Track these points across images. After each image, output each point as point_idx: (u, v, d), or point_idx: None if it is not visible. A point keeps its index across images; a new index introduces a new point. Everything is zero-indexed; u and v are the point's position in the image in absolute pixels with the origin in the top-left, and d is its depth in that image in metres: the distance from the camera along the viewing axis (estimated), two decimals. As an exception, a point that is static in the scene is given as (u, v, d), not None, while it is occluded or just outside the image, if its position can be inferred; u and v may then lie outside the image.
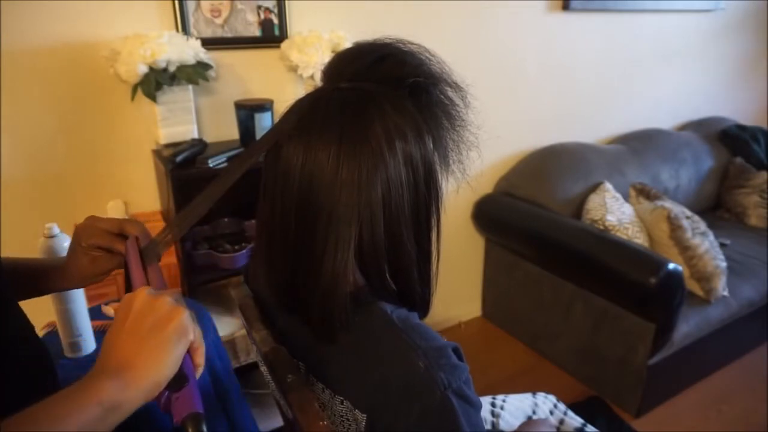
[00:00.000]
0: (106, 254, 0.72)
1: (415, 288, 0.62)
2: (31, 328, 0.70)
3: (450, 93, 0.61)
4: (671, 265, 1.63)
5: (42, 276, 0.77)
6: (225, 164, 1.40)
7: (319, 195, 0.55)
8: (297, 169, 0.55)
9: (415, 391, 0.52)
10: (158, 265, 0.64)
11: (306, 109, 0.57)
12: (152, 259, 0.65)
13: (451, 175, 0.63)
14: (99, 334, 1.16)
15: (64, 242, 1.02)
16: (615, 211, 2.00)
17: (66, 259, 0.75)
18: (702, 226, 2.04)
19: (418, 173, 0.57)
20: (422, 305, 0.65)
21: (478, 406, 0.55)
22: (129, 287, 0.63)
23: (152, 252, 0.66)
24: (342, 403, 0.59)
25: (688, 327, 1.79)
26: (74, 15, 1.35)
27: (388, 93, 0.56)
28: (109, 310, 1.16)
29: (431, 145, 0.58)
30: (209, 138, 1.59)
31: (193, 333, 0.50)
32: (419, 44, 0.61)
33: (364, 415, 0.56)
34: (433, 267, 0.65)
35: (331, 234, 0.55)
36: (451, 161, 0.61)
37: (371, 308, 0.59)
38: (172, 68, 1.35)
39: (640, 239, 1.96)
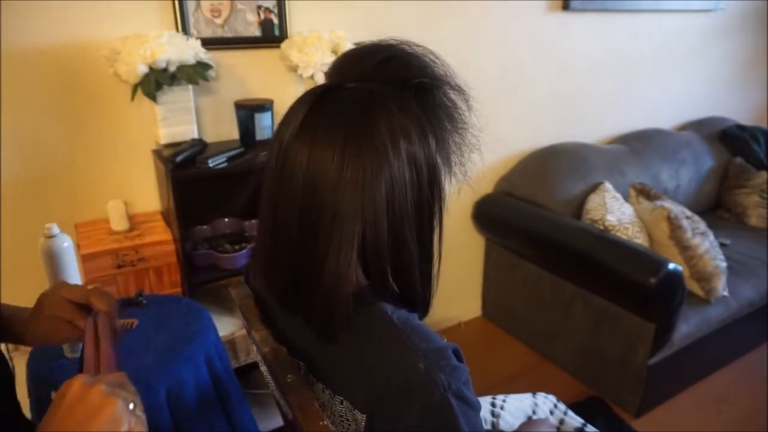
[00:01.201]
0: (68, 325, 0.70)
1: (416, 288, 0.62)
2: None
3: (453, 95, 0.61)
4: (671, 265, 1.63)
5: (5, 325, 0.75)
6: (225, 164, 1.40)
7: (323, 194, 0.54)
8: (301, 168, 0.55)
9: (414, 392, 0.52)
10: (113, 348, 0.62)
11: (310, 108, 0.57)
12: (110, 339, 0.63)
13: (453, 177, 0.63)
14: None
15: (64, 242, 1.02)
16: (615, 211, 2.00)
17: (28, 320, 0.73)
18: (702, 226, 2.04)
19: (421, 173, 0.57)
20: (423, 305, 0.65)
21: (477, 408, 0.55)
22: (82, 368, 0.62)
23: (111, 331, 0.64)
24: (342, 403, 0.59)
25: (688, 327, 1.79)
26: (74, 15, 1.35)
27: (393, 94, 0.56)
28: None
29: (435, 146, 0.58)
30: (209, 138, 1.59)
31: (129, 423, 0.47)
32: (424, 46, 0.61)
33: (364, 416, 0.56)
34: (435, 267, 0.65)
35: (335, 234, 0.55)
36: (453, 163, 0.61)
37: (372, 309, 0.59)
38: (172, 68, 1.35)
39: (640, 239, 1.96)
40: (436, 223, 0.62)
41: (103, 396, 0.47)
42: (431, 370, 0.52)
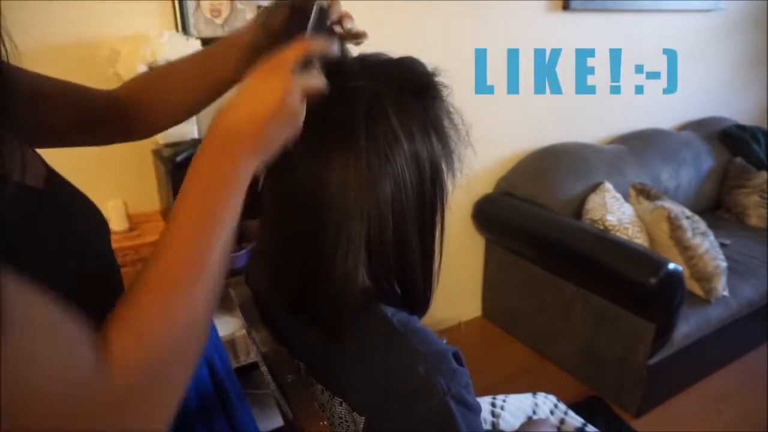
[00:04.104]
0: None
1: (417, 287, 0.63)
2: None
3: (447, 93, 0.62)
4: (671, 265, 1.63)
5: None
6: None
7: (328, 196, 0.54)
8: (305, 171, 0.55)
9: (414, 395, 0.52)
10: None
11: (311, 109, 0.57)
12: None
13: (454, 174, 0.63)
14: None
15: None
16: (615, 211, 2.00)
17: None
18: (702, 226, 2.04)
19: (424, 171, 0.57)
20: (423, 303, 0.65)
21: (477, 411, 0.55)
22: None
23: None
24: (341, 404, 0.59)
25: (688, 327, 1.79)
26: (74, 15, 1.35)
27: (395, 93, 0.57)
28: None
29: (437, 144, 0.59)
30: (209, 138, 1.59)
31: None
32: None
33: (363, 418, 0.56)
34: (436, 264, 0.65)
35: (342, 235, 0.55)
36: (454, 159, 0.62)
37: (372, 311, 0.59)
38: (172, 68, 1.35)
39: (640, 239, 1.96)
40: (438, 219, 0.62)
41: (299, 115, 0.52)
42: (431, 374, 0.52)
